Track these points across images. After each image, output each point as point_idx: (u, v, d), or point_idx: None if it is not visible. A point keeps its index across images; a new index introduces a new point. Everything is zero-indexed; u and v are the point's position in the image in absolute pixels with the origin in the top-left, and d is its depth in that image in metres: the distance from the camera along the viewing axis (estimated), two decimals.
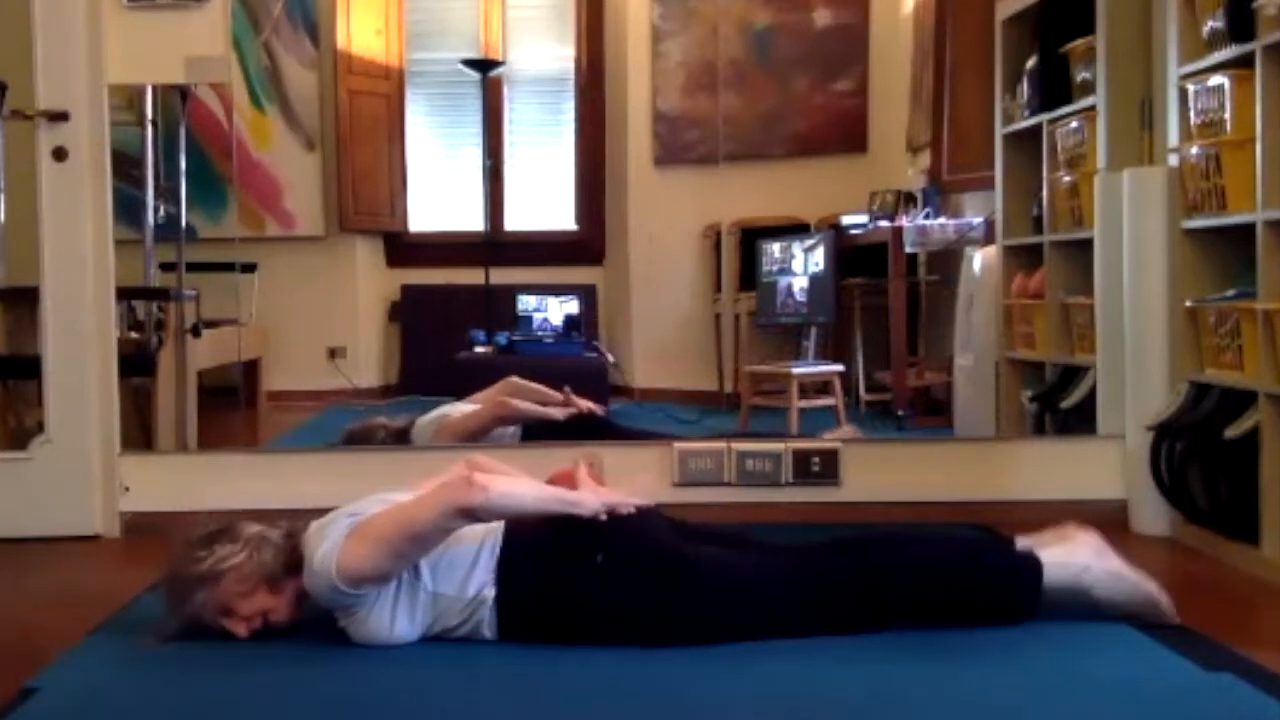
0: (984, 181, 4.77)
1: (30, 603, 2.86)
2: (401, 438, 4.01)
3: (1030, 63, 4.26)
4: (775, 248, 5.70)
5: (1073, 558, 2.41)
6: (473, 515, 2.24)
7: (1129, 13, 3.58)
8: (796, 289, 5.53)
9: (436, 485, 2.31)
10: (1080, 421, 3.76)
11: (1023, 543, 2.48)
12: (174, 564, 2.36)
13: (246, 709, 2.06)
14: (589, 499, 2.34)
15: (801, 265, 5.51)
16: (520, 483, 2.37)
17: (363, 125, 6.72)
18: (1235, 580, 2.90)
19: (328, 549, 2.22)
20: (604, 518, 2.33)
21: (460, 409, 4.14)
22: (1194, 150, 3.18)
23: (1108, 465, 3.48)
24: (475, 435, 3.97)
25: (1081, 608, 2.40)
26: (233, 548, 2.32)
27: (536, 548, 2.33)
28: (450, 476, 2.34)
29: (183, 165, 4.97)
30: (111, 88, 3.50)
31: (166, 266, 4.81)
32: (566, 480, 2.44)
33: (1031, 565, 2.40)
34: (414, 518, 2.23)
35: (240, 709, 2.06)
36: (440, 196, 6.94)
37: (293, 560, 2.33)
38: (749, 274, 5.95)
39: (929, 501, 3.50)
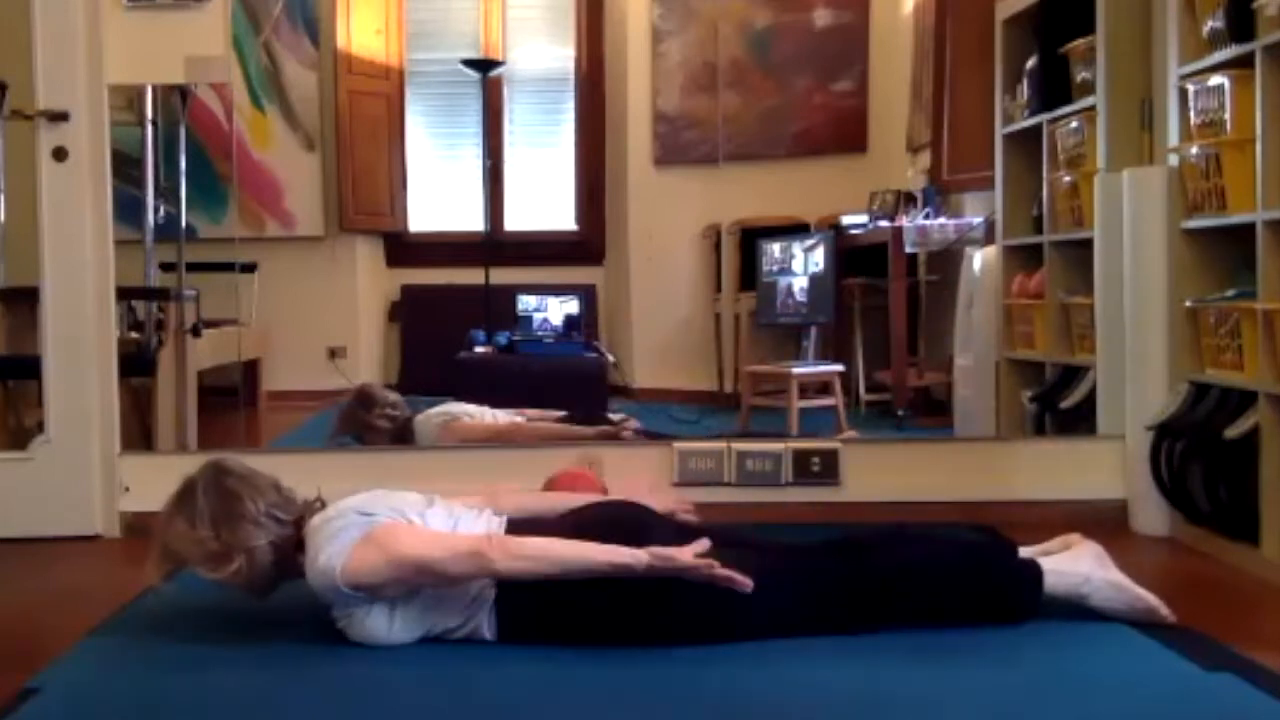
0: (984, 181, 4.76)
1: (30, 603, 2.86)
2: (404, 429, 4.03)
3: (1030, 63, 4.26)
4: (775, 248, 5.69)
5: (1074, 566, 2.42)
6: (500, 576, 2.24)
7: (1129, 13, 3.58)
8: (796, 289, 5.52)
9: (473, 538, 2.27)
10: (1080, 421, 3.75)
11: (1026, 551, 2.48)
12: (184, 518, 2.41)
13: (246, 708, 2.06)
14: (640, 556, 2.21)
15: (801, 265, 5.50)
16: (563, 546, 2.25)
17: (363, 125, 6.72)
18: (1235, 580, 2.90)
19: (336, 550, 2.23)
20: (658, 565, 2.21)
21: (468, 411, 4.16)
22: (1194, 150, 3.18)
23: (1108, 465, 3.47)
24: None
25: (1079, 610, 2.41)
26: (232, 558, 2.32)
27: None
28: (486, 540, 2.27)
29: (183, 165, 4.97)
30: (111, 88, 3.49)
31: (166, 266, 4.81)
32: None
33: (1032, 572, 2.40)
34: (439, 561, 2.22)
35: (240, 708, 2.06)
36: (440, 196, 6.94)
37: (289, 559, 2.34)
38: (749, 274, 5.94)
39: (929, 501, 3.50)
